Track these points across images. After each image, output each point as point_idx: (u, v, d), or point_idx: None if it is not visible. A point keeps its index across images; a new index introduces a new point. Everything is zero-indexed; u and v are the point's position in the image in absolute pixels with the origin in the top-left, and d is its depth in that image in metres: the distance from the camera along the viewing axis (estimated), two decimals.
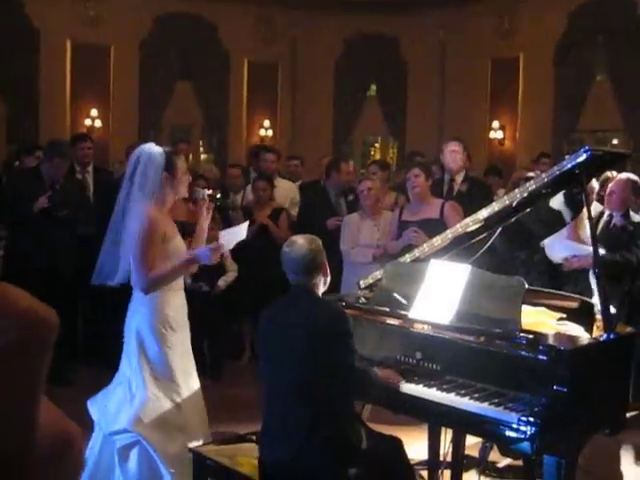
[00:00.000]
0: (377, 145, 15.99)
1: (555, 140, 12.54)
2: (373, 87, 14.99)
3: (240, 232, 4.40)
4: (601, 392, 3.41)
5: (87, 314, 7.78)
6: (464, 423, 3.48)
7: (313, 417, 3.32)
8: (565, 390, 3.09)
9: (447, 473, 4.35)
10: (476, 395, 3.35)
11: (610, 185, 5.95)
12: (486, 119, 13.52)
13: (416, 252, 4.37)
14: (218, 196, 4.67)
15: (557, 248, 5.80)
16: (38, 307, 0.91)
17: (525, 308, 3.63)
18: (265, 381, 3.58)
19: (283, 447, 3.37)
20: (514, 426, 3.09)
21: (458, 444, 4.28)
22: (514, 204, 4.01)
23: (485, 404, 3.27)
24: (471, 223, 4.17)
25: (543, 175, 3.93)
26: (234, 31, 13.74)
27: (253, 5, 13.71)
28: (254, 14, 13.93)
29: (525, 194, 3.93)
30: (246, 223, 4.54)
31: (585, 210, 3.84)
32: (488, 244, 4.18)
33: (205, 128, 14.33)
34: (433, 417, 3.80)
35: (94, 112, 13.12)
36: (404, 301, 3.93)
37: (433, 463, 4.41)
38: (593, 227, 3.81)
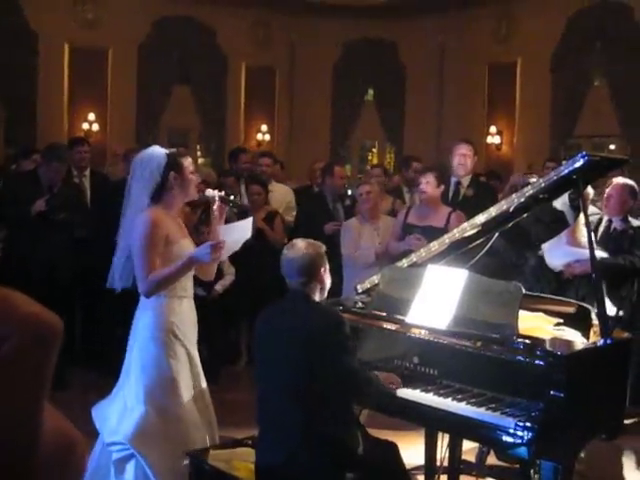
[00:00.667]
0: (374, 150, 15.99)
1: (552, 145, 12.55)
2: (371, 92, 15.00)
3: (245, 230, 4.20)
4: (598, 397, 3.41)
5: (85, 317, 7.77)
6: (461, 428, 3.48)
7: (308, 421, 3.31)
8: (562, 395, 3.09)
9: (444, 478, 4.35)
10: (473, 400, 3.35)
11: (607, 190, 5.96)
12: (483, 124, 13.53)
13: (413, 257, 4.37)
14: (232, 197, 4.55)
15: (557, 254, 5.79)
16: (42, 313, 0.92)
17: (522, 313, 3.64)
18: (260, 385, 3.57)
19: (279, 452, 3.37)
20: (511, 431, 3.09)
21: (455, 449, 4.28)
22: (511, 209, 4.02)
23: (482, 409, 3.28)
24: (468, 228, 4.17)
25: (540, 180, 3.94)
26: (232, 35, 13.75)
27: (251, 9, 13.72)
28: (252, 18, 13.94)
29: (522, 199, 3.94)
30: (250, 219, 4.31)
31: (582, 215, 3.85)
32: (485, 249, 4.18)
33: (203, 132, 14.32)
34: (430, 422, 3.80)
35: (92, 116, 13.11)
36: (401, 306, 3.93)
37: (430, 468, 4.41)
38: (590, 232, 3.81)
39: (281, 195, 8.16)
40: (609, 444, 3.91)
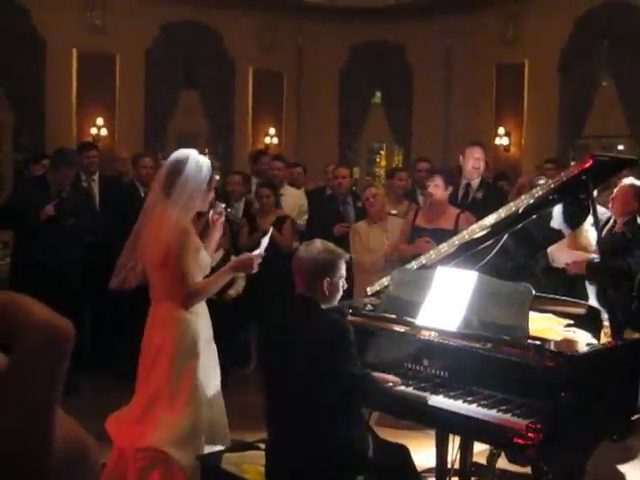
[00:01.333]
0: (382, 152, 15.98)
1: (561, 146, 12.52)
2: (378, 94, 14.99)
3: (266, 240, 4.24)
4: (609, 398, 3.40)
5: (94, 322, 7.79)
6: (472, 430, 3.48)
7: (317, 426, 3.31)
8: (573, 396, 3.09)
9: None
10: (484, 402, 3.35)
11: (615, 191, 5.95)
12: (491, 125, 13.51)
13: (423, 259, 4.37)
14: (229, 210, 4.64)
15: (559, 256, 5.81)
16: (53, 317, 0.92)
17: (532, 314, 3.63)
18: (266, 389, 3.56)
19: (288, 456, 3.36)
20: (522, 433, 3.09)
21: (466, 451, 4.26)
22: (520, 210, 4.01)
23: (493, 411, 3.27)
24: (478, 229, 4.17)
25: (549, 181, 3.94)
26: (239, 39, 13.76)
27: (258, 13, 13.73)
28: (259, 22, 13.95)
29: (531, 200, 3.93)
30: (268, 235, 4.35)
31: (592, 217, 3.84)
32: (495, 250, 4.18)
33: (210, 136, 14.33)
34: (441, 424, 3.79)
35: (100, 121, 13.14)
36: (411, 308, 3.93)
37: (440, 470, 4.40)
38: (599, 234, 3.80)
39: (294, 198, 8.16)
40: (618, 444, 3.89)
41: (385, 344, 3.95)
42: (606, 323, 3.65)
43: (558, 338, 3.55)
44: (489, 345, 3.49)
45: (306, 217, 8.08)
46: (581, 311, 4.02)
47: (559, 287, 5.51)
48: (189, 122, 13.85)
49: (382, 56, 14.40)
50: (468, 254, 4.25)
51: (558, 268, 5.94)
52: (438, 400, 3.47)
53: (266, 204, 7.54)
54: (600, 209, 5.88)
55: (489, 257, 4.17)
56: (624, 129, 12.12)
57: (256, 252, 4.03)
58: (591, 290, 5.61)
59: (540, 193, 3.90)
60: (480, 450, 4.65)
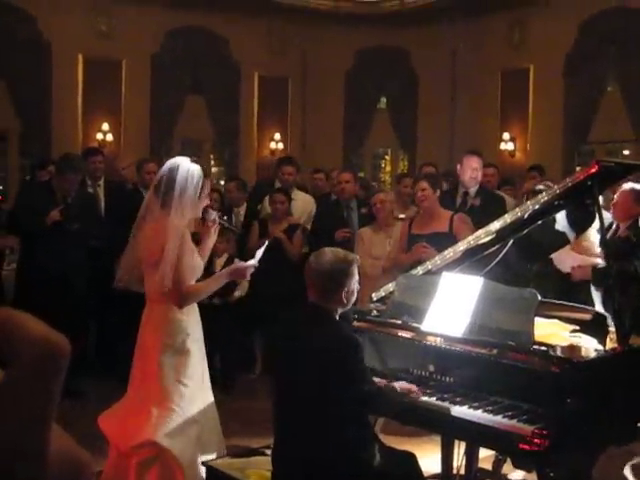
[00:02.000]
0: (387, 157, 15.98)
1: (566, 151, 12.51)
2: (383, 99, 14.99)
3: (261, 251, 4.38)
4: (615, 404, 3.39)
5: (99, 327, 7.80)
6: (477, 436, 3.47)
7: (324, 435, 3.30)
8: (579, 402, 3.08)
9: None
10: (489, 408, 3.34)
11: (615, 196, 5.94)
12: (497, 131, 13.49)
13: (428, 264, 4.37)
14: (225, 218, 4.76)
15: (564, 259, 5.79)
16: (49, 333, 0.92)
17: (538, 320, 3.62)
18: (276, 397, 3.56)
19: (295, 464, 3.36)
20: (528, 439, 3.08)
21: (471, 457, 4.26)
22: (526, 216, 4.01)
23: (498, 417, 3.26)
24: (483, 235, 4.17)
25: (555, 187, 3.93)
26: (244, 45, 13.78)
27: (263, 19, 13.75)
28: (264, 28, 13.97)
29: (537, 206, 3.93)
30: (265, 242, 4.59)
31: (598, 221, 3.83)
32: (500, 256, 4.17)
33: (216, 142, 14.35)
34: (446, 430, 3.79)
35: (105, 126, 13.16)
36: (416, 314, 3.92)
37: (446, 476, 4.39)
38: (604, 238, 3.80)
39: (303, 203, 8.15)
40: (623, 449, 3.89)
41: (390, 350, 3.95)
42: (612, 329, 3.65)
43: (564, 344, 3.54)
44: (495, 351, 3.48)
45: None
46: (587, 317, 4.02)
47: (551, 292, 5.48)
48: (195, 127, 13.86)
49: (387, 61, 14.41)
50: (473, 260, 4.24)
51: (552, 273, 5.93)
52: (443, 406, 3.46)
53: (280, 210, 7.51)
54: (605, 214, 5.88)
55: (494, 262, 4.16)
56: (630, 134, 12.09)
57: (250, 262, 4.21)
58: (597, 295, 5.59)
59: (546, 199, 3.90)
60: (486, 456, 4.64)
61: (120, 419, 4.08)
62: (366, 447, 3.37)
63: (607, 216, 5.90)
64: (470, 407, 3.38)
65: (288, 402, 3.46)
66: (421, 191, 6.04)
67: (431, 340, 3.77)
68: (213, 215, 4.36)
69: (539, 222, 4.14)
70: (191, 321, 4.11)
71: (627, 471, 5.05)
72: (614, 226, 5.92)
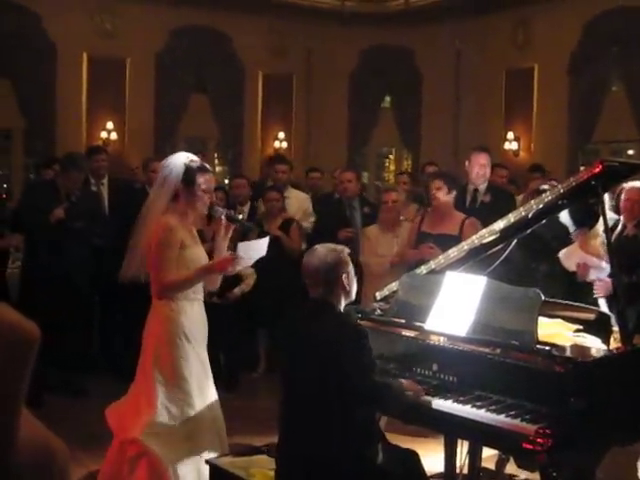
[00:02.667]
0: (392, 156, 15.98)
1: (570, 151, 12.49)
2: (388, 98, 14.99)
3: (261, 248, 4.33)
4: (619, 404, 3.39)
5: (103, 324, 7.81)
6: (480, 435, 3.47)
7: (329, 432, 3.30)
8: (582, 402, 3.08)
9: None
10: (492, 407, 3.34)
11: (623, 194, 5.92)
12: (501, 130, 13.48)
13: (432, 264, 4.37)
14: (240, 217, 4.67)
15: (571, 256, 5.77)
16: (21, 322, 0.92)
17: (541, 320, 3.62)
18: (282, 391, 3.56)
19: (299, 462, 3.36)
20: (531, 438, 3.08)
21: (474, 456, 4.26)
22: (530, 215, 4.01)
23: (501, 416, 3.26)
24: (487, 235, 4.17)
25: (559, 186, 3.93)
26: (249, 43, 13.77)
27: (268, 17, 13.75)
28: (269, 26, 13.96)
29: (541, 205, 3.93)
30: (267, 239, 4.45)
31: (601, 221, 3.83)
32: (504, 256, 4.17)
33: (220, 140, 14.35)
34: (449, 429, 3.79)
35: (110, 125, 13.17)
36: (420, 313, 3.92)
37: (449, 475, 4.39)
38: (609, 238, 3.79)
39: (298, 201, 8.15)
40: (628, 449, 3.88)
41: (394, 349, 3.95)
42: (616, 328, 3.64)
43: (567, 343, 3.54)
44: (498, 350, 3.48)
45: (311, 220, 8.07)
46: (591, 316, 4.02)
47: (561, 293, 5.47)
48: (199, 126, 13.87)
49: (392, 61, 14.40)
50: (477, 259, 4.24)
51: (559, 273, 5.91)
52: (447, 405, 3.46)
53: (274, 207, 7.53)
54: (610, 214, 5.87)
55: (498, 262, 4.16)
56: (634, 134, 12.07)
57: (230, 254, 4.18)
58: (602, 302, 5.56)
59: (550, 198, 3.89)
60: (489, 455, 4.64)
61: (120, 413, 4.15)
62: (370, 444, 3.37)
63: (612, 216, 5.90)
64: (473, 406, 3.38)
65: (293, 399, 3.46)
66: (435, 190, 6.01)
67: (435, 339, 3.78)
68: (220, 212, 4.32)
69: (543, 222, 4.14)
70: (188, 320, 4.10)
71: None
72: (620, 225, 5.91)
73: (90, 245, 6.96)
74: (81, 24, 12.84)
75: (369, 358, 3.34)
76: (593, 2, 11.98)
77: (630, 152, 12.87)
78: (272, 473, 3.55)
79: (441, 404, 3.48)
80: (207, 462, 3.91)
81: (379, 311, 4.28)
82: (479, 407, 3.36)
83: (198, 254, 4.14)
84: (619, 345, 3.55)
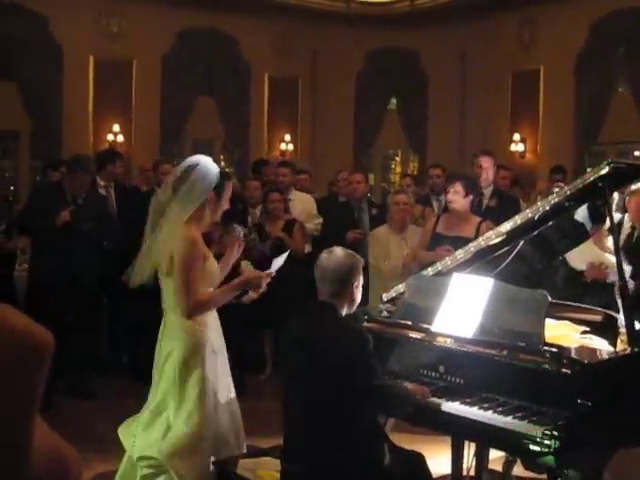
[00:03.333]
0: (398, 158, 15.98)
1: (577, 152, 12.48)
2: (393, 100, 14.99)
3: (281, 261, 4.25)
4: (626, 406, 3.38)
5: (111, 327, 7.82)
6: (487, 437, 3.47)
7: (333, 435, 3.30)
8: (589, 404, 3.08)
9: None
10: (499, 409, 3.34)
11: (629, 198, 5.91)
12: (507, 132, 13.48)
13: (439, 265, 4.37)
14: (252, 236, 4.62)
15: (581, 254, 5.72)
16: (35, 329, 0.92)
17: (548, 321, 3.62)
18: (286, 395, 3.57)
19: (304, 464, 3.36)
20: (538, 440, 3.08)
21: (481, 458, 4.25)
22: (537, 217, 4.01)
23: (509, 418, 3.26)
24: (494, 236, 4.16)
25: (566, 188, 3.93)
26: (255, 46, 13.80)
27: (274, 19, 13.77)
28: (275, 28, 13.99)
29: (548, 207, 3.92)
30: (286, 254, 4.36)
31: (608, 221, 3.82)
32: (511, 257, 4.17)
33: (226, 142, 14.38)
34: (456, 431, 3.79)
35: (116, 127, 13.20)
36: (427, 315, 3.92)
37: (456, 477, 4.39)
38: (616, 241, 3.79)
39: (302, 203, 8.14)
40: (632, 451, 3.87)
41: (401, 351, 3.95)
42: (623, 330, 3.64)
43: (574, 345, 3.54)
44: (505, 352, 3.48)
45: (317, 221, 8.05)
46: (598, 318, 4.01)
47: (580, 296, 5.45)
48: (205, 128, 13.90)
49: (397, 62, 14.41)
50: (484, 261, 4.24)
51: (578, 277, 5.89)
52: (453, 407, 3.46)
53: (277, 209, 7.51)
54: (617, 215, 5.86)
55: (505, 264, 4.16)
56: None
57: (267, 271, 4.08)
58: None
59: (557, 200, 3.89)
60: (496, 457, 4.63)
61: (136, 430, 4.00)
62: (376, 446, 3.38)
63: (618, 216, 5.89)
64: (480, 408, 3.38)
65: (297, 402, 3.46)
66: (453, 192, 5.97)
67: (441, 341, 3.77)
68: (238, 231, 4.25)
69: (549, 223, 4.13)
70: (209, 332, 3.97)
71: None
72: (629, 227, 5.90)
73: (97, 247, 6.97)
74: (87, 26, 12.88)
75: (371, 363, 3.33)
76: (599, 3, 11.96)
77: (637, 153, 12.86)
78: (279, 475, 3.55)
79: (448, 406, 3.48)
80: (214, 463, 3.90)
81: (386, 313, 4.28)
82: (486, 409, 3.36)
83: (215, 265, 4.00)
84: (626, 347, 3.54)
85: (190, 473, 3.82)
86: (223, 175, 4.03)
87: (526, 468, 4.81)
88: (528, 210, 4.07)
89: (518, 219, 4.01)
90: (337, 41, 14.07)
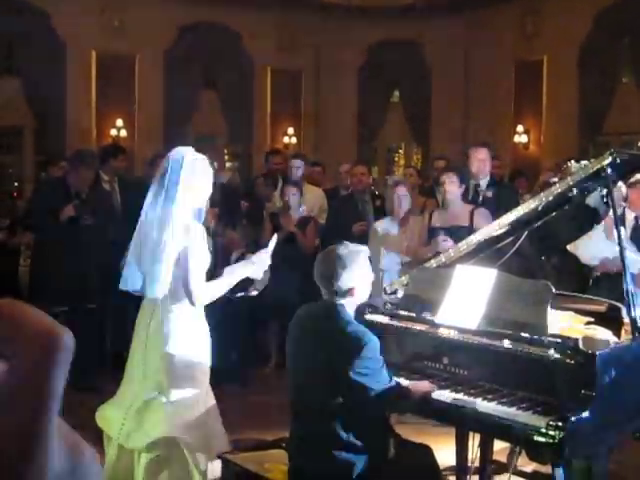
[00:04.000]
0: (401, 151, 15.98)
1: (580, 143, 12.46)
2: (396, 93, 14.97)
3: (271, 245, 4.30)
4: (630, 396, 3.39)
5: (116, 322, 7.83)
6: (492, 428, 3.47)
7: (338, 430, 3.30)
8: (593, 394, 3.07)
9: (475, 479, 4.33)
10: (504, 400, 3.34)
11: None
12: (510, 123, 13.46)
13: (442, 257, 4.36)
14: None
15: (595, 249, 5.69)
16: (54, 327, 0.92)
17: (552, 312, 3.61)
18: (291, 389, 3.57)
19: (311, 458, 3.36)
20: (542, 431, 3.08)
21: (485, 449, 4.26)
22: (540, 208, 4.00)
23: (513, 409, 3.26)
24: (497, 227, 4.16)
25: (569, 178, 3.92)
26: (257, 39, 13.80)
27: (276, 13, 13.76)
28: (277, 22, 13.98)
29: (551, 197, 3.92)
30: (275, 236, 4.41)
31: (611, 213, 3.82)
32: (514, 248, 4.16)
33: (230, 136, 14.38)
34: (460, 422, 3.79)
35: (119, 122, 13.22)
36: (430, 306, 3.92)
37: (461, 468, 4.39)
38: (619, 231, 3.78)
39: (314, 197, 8.14)
40: (637, 440, 3.87)
41: (404, 343, 3.95)
42: (627, 320, 3.63)
43: (579, 336, 3.53)
44: (509, 343, 3.48)
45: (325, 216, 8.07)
46: (602, 309, 4.00)
47: (571, 286, 5.43)
48: (208, 122, 13.90)
49: (400, 55, 14.39)
50: (487, 252, 4.24)
51: (570, 267, 5.88)
52: (457, 398, 3.46)
53: (291, 202, 7.50)
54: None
55: (508, 255, 4.15)
56: None
57: (263, 250, 4.15)
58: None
59: (560, 190, 3.88)
60: (500, 448, 4.63)
61: (122, 417, 4.00)
62: (382, 440, 3.38)
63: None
64: (484, 399, 3.38)
65: (302, 394, 3.46)
66: (449, 183, 6.02)
67: (445, 332, 3.77)
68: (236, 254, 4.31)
69: (553, 214, 4.13)
70: (201, 320, 4.05)
71: None
72: (632, 218, 5.88)
73: (101, 243, 6.97)
74: (90, 22, 12.89)
75: (374, 363, 3.32)
76: None
77: None
78: (286, 467, 3.56)
79: (452, 397, 3.48)
80: (219, 457, 3.91)
81: (389, 305, 4.27)
82: (490, 400, 3.36)
83: (208, 254, 4.07)
84: (630, 337, 3.53)
85: (198, 442, 3.85)
86: (196, 162, 4.02)
87: (531, 459, 4.83)
88: (531, 201, 4.06)
89: (521, 209, 4.01)
90: (339, 34, 14.05)
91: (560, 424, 3.04)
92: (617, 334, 3.62)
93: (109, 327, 7.75)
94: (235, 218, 7.50)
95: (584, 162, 3.94)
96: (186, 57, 13.45)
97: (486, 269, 3.86)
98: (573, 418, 3.06)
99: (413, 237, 6.51)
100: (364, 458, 3.30)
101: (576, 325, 3.77)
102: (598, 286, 5.74)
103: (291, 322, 3.64)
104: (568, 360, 3.20)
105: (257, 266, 4.15)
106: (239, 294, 6.88)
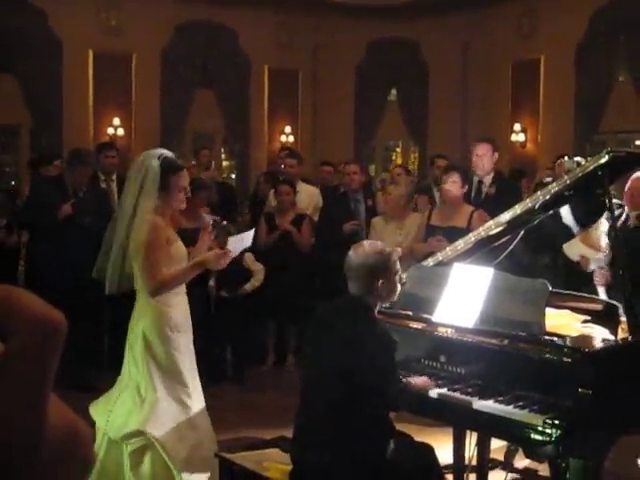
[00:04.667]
0: (398, 150, 15.97)
1: (577, 142, 12.46)
2: (394, 92, 14.97)
3: (246, 239, 4.53)
4: (627, 394, 3.39)
5: (112, 321, 7.82)
6: (489, 426, 3.48)
7: (343, 429, 3.30)
8: (590, 392, 3.08)
9: (472, 477, 4.34)
10: (500, 398, 3.35)
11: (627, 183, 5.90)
12: (508, 122, 13.46)
13: (439, 256, 4.37)
14: (224, 223, 4.80)
15: (572, 247, 5.74)
16: (50, 311, 0.95)
17: (549, 311, 3.62)
18: (302, 384, 3.57)
19: (315, 455, 3.36)
20: (539, 429, 3.08)
21: (483, 448, 4.26)
22: (536, 207, 4.01)
23: (510, 407, 3.27)
24: (494, 226, 4.17)
25: (565, 177, 3.93)
26: (254, 38, 13.78)
27: (273, 12, 13.75)
28: (274, 21, 13.97)
29: (547, 196, 3.92)
30: (252, 232, 4.66)
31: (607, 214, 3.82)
32: (511, 247, 4.17)
33: (227, 135, 14.37)
34: (458, 420, 3.79)
35: (116, 121, 13.20)
36: (427, 305, 3.93)
37: (458, 467, 4.40)
38: (615, 229, 3.79)
39: (308, 196, 8.13)
40: (633, 439, 3.88)
41: (402, 341, 3.95)
42: (623, 319, 3.64)
43: (575, 334, 3.54)
44: (506, 341, 3.49)
45: None
46: (598, 307, 4.01)
47: (562, 284, 5.44)
48: (205, 121, 13.89)
49: (398, 53, 14.39)
50: (484, 251, 4.24)
51: (562, 266, 5.89)
52: (455, 396, 3.47)
53: (286, 201, 7.49)
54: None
55: (505, 254, 4.16)
56: None
57: (224, 250, 4.23)
58: (601, 290, 5.52)
59: (556, 189, 3.89)
60: (497, 446, 4.64)
61: (109, 408, 4.16)
62: (384, 439, 3.38)
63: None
64: (481, 397, 3.39)
65: (312, 390, 3.46)
66: (451, 183, 6.00)
67: (442, 331, 3.78)
68: (206, 219, 4.46)
69: (549, 213, 4.14)
70: (179, 313, 4.18)
71: None
72: (624, 215, 5.89)
73: (98, 241, 6.96)
74: (86, 21, 12.87)
75: (391, 365, 3.34)
76: None
77: (638, 142, 12.84)
78: (286, 467, 3.55)
79: (450, 396, 3.49)
80: (217, 456, 3.92)
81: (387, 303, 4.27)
82: (487, 398, 3.37)
83: (182, 249, 4.21)
84: (627, 335, 3.54)
85: (173, 443, 3.98)
86: (164, 169, 4.15)
87: (527, 457, 4.85)
88: (528, 200, 4.07)
89: (518, 209, 4.02)
90: (337, 32, 14.05)
91: (557, 422, 3.04)
92: (614, 332, 3.63)
93: (106, 326, 7.74)
94: (231, 216, 7.50)
95: (577, 158, 3.95)
96: (183, 56, 13.44)
97: (483, 268, 3.86)
98: (569, 416, 3.06)
99: (409, 234, 6.52)
100: (367, 452, 3.30)
101: (573, 323, 3.78)
102: (580, 281, 5.75)
103: (317, 311, 3.62)
104: (565, 358, 3.21)
105: (218, 256, 4.20)
106: (223, 292, 6.91)
